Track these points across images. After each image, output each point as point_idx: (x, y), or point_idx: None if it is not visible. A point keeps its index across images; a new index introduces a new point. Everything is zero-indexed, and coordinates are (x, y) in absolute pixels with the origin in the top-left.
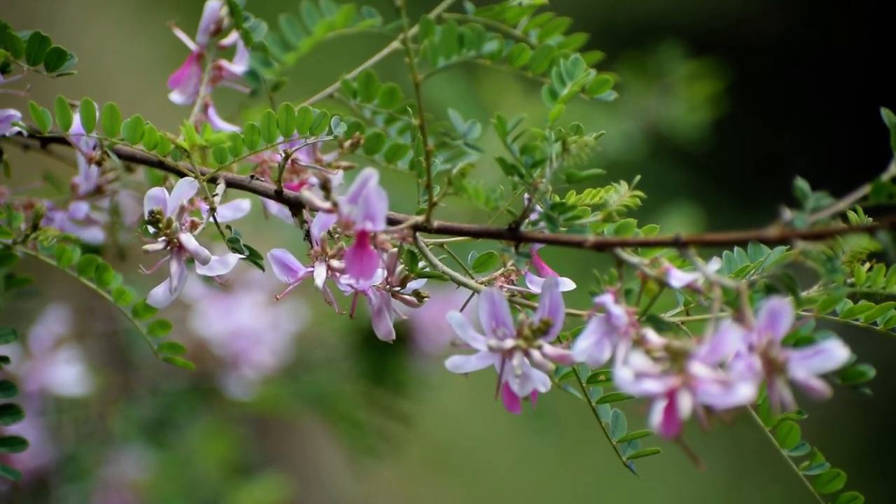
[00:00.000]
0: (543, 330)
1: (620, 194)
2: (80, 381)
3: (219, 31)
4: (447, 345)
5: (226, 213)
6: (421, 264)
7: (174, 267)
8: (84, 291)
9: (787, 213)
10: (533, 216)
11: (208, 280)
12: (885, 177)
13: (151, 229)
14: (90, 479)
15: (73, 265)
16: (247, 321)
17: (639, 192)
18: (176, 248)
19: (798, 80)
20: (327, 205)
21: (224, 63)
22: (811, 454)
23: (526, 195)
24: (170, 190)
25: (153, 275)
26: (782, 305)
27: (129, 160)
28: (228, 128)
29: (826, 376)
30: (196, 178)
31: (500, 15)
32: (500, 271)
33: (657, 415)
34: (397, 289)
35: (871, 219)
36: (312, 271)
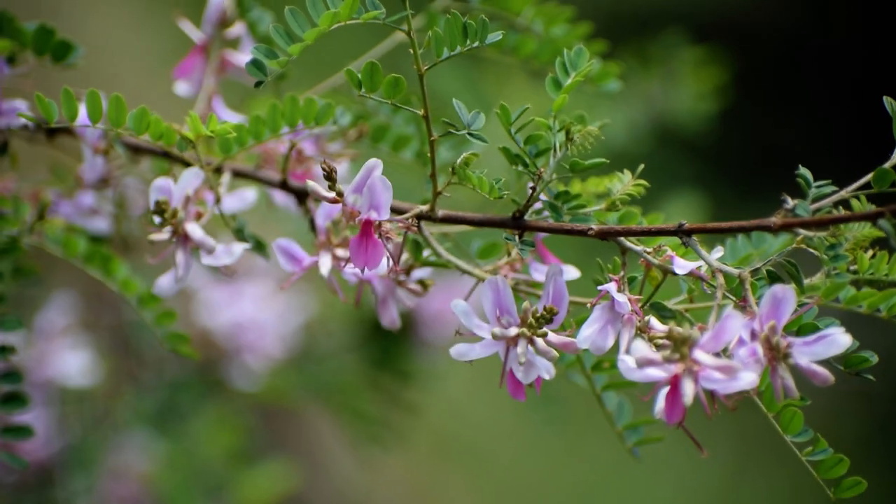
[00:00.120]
0: (547, 318)
1: (624, 183)
2: (85, 371)
3: (224, 22)
4: (452, 334)
5: (231, 203)
6: (426, 253)
7: (180, 256)
8: (90, 280)
9: (790, 201)
10: (537, 205)
11: (213, 269)
12: (888, 165)
13: (157, 219)
14: (96, 468)
15: (78, 255)
16: (251, 312)
17: (642, 181)
18: (181, 237)
19: (800, 69)
20: (332, 194)
21: (229, 54)
22: (814, 440)
23: (530, 184)
24: (175, 180)
25: (158, 265)
26: (785, 292)
27: (135, 151)
28: (234, 118)
29: (829, 363)
30: (201, 168)
31: (504, 4)
32: (504, 260)
33: (661, 401)
34: (402, 278)
35: (873, 206)
36: (318, 261)
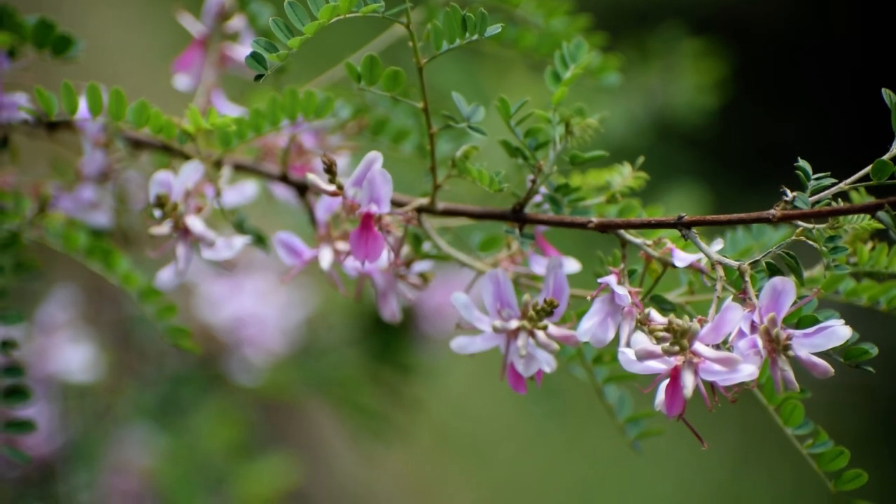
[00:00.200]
0: (548, 310)
1: (624, 176)
2: (87, 365)
3: (223, 15)
4: (452, 328)
5: (231, 196)
6: (426, 246)
7: (180, 250)
8: (91, 274)
9: (789, 194)
10: (537, 198)
11: (214, 263)
12: (887, 156)
13: (157, 213)
14: (97, 463)
15: (79, 249)
16: (252, 306)
17: (642, 174)
18: (182, 231)
19: (799, 64)
20: (332, 188)
21: (229, 47)
22: (815, 432)
23: (529, 177)
24: (175, 174)
25: (159, 259)
26: (785, 284)
27: (135, 144)
28: (234, 111)
29: (829, 355)
30: (201, 161)
31: None
32: (504, 253)
33: (661, 394)
34: (403, 271)
35: (873, 198)
36: (318, 254)
